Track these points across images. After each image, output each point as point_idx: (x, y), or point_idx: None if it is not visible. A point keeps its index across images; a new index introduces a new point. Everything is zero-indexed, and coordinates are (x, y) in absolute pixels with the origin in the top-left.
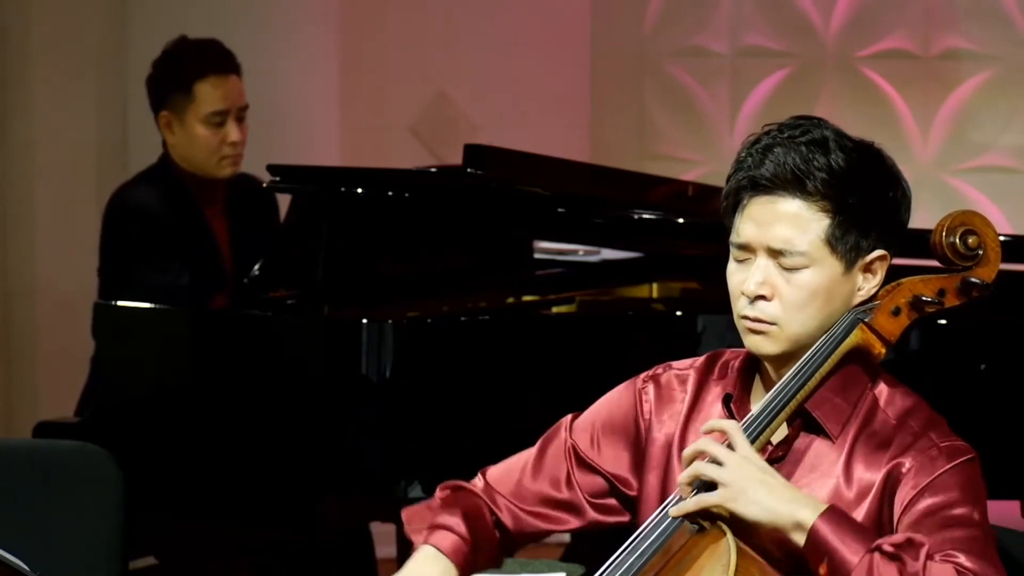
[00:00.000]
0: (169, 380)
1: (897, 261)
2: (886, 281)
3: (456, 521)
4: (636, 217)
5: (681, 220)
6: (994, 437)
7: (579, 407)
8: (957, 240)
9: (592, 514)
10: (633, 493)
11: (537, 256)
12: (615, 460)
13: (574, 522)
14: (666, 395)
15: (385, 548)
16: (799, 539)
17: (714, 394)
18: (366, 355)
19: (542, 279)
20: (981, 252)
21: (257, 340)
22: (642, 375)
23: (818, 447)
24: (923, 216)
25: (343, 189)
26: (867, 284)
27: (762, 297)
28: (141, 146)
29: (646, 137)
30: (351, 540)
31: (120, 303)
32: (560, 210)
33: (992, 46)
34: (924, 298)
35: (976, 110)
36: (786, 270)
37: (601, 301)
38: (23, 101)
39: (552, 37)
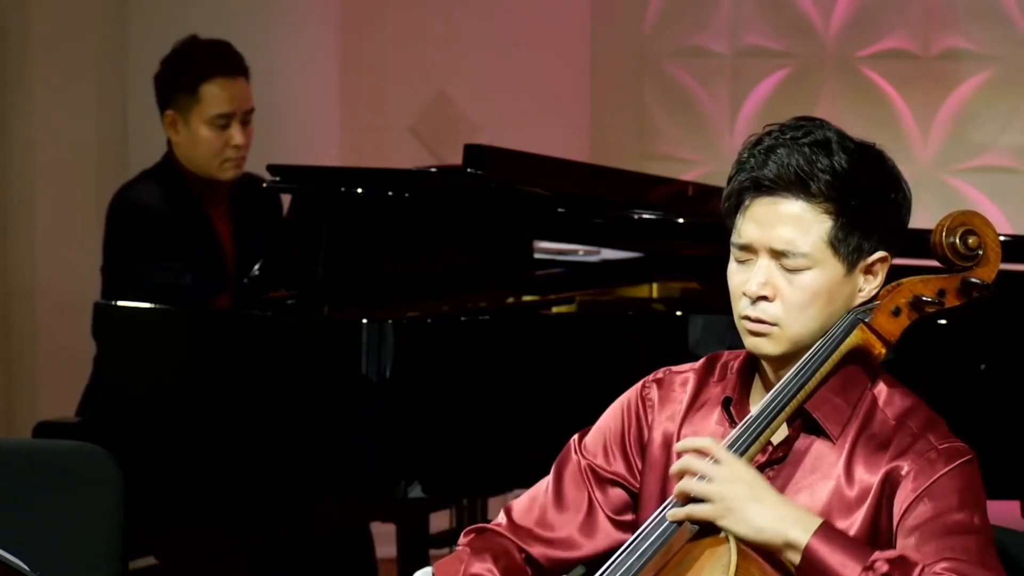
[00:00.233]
0: (169, 380)
1: (897, 261)
2: (886, 281)
3: (488, 568)
4: (636, 217)
5: (681, 220)
6: (994, 437)
7: (579, 407)
8: (957, 240)
9: (617, 534)
10: None
11: (537, 256)
12: (632, 466)
13: (602, 544)
14: (667, 396)
15: (385, 548)
16: (792, 558)
17: (713, 395)
18: (366, 355)
19: (542, 279)
20: (981, 252)
21: (257, 340)
22: (644, 380)
23: (818, 448)
24: (923, 216)
25: (343, 189)
26: (868, 285)
27: (764, 298)
28: (141, 146)
29: (646, 137)
30: (351, 540)
31: (120, 303)
32: (560, 210)
33: (992, 46)
34: (924, 298)
35: (976, 110)
36: (788, 271)
37: (601, 301)
38: (23, 101)
39: (552, 37)
